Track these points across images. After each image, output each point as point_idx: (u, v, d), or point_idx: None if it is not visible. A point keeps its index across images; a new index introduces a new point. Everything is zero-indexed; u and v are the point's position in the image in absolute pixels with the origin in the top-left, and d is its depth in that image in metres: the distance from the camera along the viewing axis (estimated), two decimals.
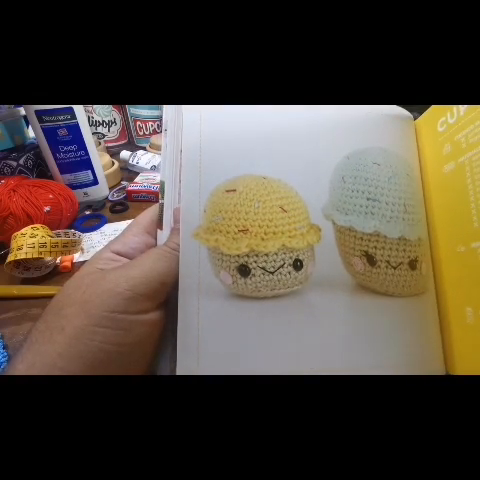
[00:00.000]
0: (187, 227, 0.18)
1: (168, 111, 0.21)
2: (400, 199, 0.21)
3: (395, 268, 0.20)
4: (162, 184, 0.20)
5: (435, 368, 0.19)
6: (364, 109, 0.22)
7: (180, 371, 0.17)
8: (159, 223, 0.20)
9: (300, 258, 0.19)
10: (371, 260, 0.20)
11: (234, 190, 0.19)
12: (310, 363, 0.18)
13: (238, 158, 0.20)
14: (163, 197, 0.20)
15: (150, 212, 0.21)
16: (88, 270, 0.18)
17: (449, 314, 0.20)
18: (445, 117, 0.20)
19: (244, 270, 0.18)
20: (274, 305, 0.18)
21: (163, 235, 0.20)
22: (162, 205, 0.20)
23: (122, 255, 0.19)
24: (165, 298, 0.18)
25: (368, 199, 0.20)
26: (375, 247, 0.20)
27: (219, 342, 0.17)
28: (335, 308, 0.19)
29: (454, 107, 0.19)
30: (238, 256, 0.18)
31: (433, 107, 0.22)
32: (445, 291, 0.20)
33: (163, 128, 0.20)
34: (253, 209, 0.19)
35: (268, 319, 0.18)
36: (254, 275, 0.18)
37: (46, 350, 0.15)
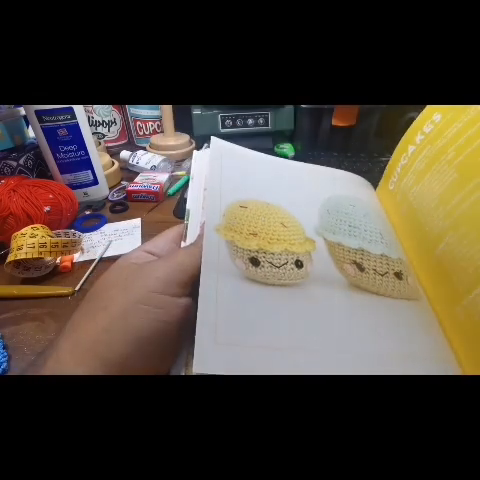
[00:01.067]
0: (210, 224, 0.22)
1: (195, 167, 0.28)
2: (376, 229, 0.27)
3: (382, 275, 0.23)
4: (188, 211, 0.26)
5: (442, 363, 0.20)
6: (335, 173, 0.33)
7: (198, 341, 0.18)
8: (184, 237, 0.24)
9: (300, 259, 0.23)
10: (360, 267, 0.24)
11: (246, 207, 0.24)
12: (312, 341, 0.20)
13: (249, 190, 0.26)
14: (188, 219, 0.25)
15: (178, 227, 0.25)
16: (122, 263, 0.21)
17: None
18: (392, 179, 0.32)
19: (255, 261, 0.22)
20: (281, 291, 0.21)
21: (185, 244, 0.24)
22: (186, 225, 0.25)
23: (152, 253, 0.22)
24: (192, 289, 0.20)
25: (350, 226, 0.26)
26: (362, 258, 0.24)
27: (233, 315, 0.19)
28: (334, 297, 0.22)
29: (393, 176, 0.32)
30: (250, 250, 0.22)
31: (383, 179, 0.34)
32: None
33: (191, 176, 0.28)
34: (261, 221, 0.24)
35: (276, 302, 0.20)
36: (263, 266, 0.22)
37: (90, 327, 0.17)
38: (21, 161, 0.54)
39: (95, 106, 0.72)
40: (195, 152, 0.30)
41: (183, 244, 0.24)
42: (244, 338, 0.18)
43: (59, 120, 0.48)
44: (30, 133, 0.59)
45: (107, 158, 0.62)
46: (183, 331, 0.19)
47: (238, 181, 0.27)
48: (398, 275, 0.24)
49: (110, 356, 0.16)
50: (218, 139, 0.29)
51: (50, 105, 0.47)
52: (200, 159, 0.29)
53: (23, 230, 0.39)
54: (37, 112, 0.47)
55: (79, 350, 0.17)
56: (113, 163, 0.64)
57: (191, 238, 0.24)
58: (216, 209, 0.24)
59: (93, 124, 0.74)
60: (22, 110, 0.58)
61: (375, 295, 0.22)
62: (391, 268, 0.24)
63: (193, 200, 0.26)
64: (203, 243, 0.21)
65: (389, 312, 0.22)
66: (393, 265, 0.24)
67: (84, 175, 0.54)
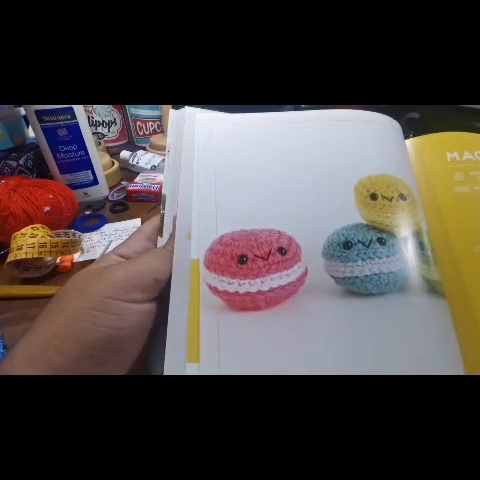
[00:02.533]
0: (182, 230, 0.21)
1: (171, 135, 0.23)
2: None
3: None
4: (164, 197, 0.22)
5: (448, 371, 0.19)
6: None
7: (168, 362, 0.18)
8: (160, 231, 0.22)
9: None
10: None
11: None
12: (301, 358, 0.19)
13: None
14: (164, 208, 0.22)
15: (153, 221, 0.23)
16: (92, 267, 0.20)
17: (475, 314, 0.21)
18: (455, 153, 0.25)
19: None
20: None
21: (163, 241, 0.22)
22: (163, 215, 0.22)
23: (125, 257, 0.21)
24: (158, 293, 0.19)
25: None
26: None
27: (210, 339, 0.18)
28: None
29: (466, 150, 0.25)
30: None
31: (439, 136, 0.26)
32: (467, 291, 0.22)
33: (167, 149, 0.23)
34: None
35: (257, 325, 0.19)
36: None
37: (44, 330, 0.17)
38: (21, 161, 0.54)
39: (95, 106, 0.72)
40: (172, 112, 0.24)
41: (160, 240, 0.22)
42: (216, 363, 0.18)
43: (59, 120, 0.48)
44: (30, 133, 0.59)
45: (107, 158, 0.62)
46: (145, 336, 0.19)
47: (217, 169, 0.22)
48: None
49: (59, 360, 0.16)
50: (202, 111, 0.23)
51: (50, 105, 0.47)
52: (181, 121, 0.24)
53: (23, 230, 0.39)
54: (37, 112, 0.47)
55: (30, 351, 0.17)
56: (113, 163, 0.64)
57: (167, 232, 0.22)
58: (189, 210, 0.21)
59: (93, 124, 0.74)
60: (22, 110, 0.58)
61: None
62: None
63: (170, 183, 0.23)
64: (174, 249, 0.20)
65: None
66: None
67: (84, 175, 0.54)
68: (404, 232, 0.21)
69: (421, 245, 0.21)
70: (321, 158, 0.23)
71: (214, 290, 0.19)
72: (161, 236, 0.22)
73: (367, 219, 0.21)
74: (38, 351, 0.16)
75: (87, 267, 0.20)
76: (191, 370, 0.18)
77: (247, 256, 0.20)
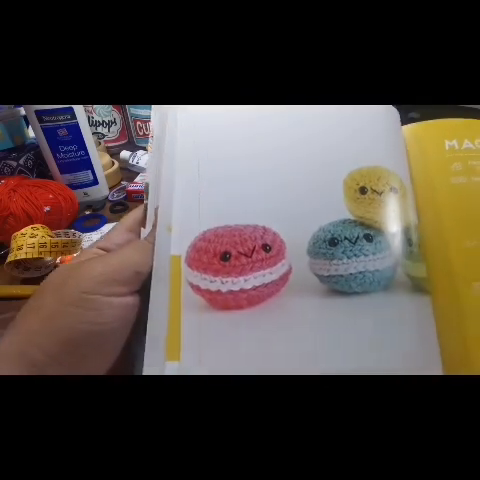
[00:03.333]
0: (163, 222, 0.20)
1: (155, 118, 0.22)
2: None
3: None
4: (147, 186, 0.21)
5: (429, 371, 0.19)
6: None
7: (147, 362, 0.18)
8: (143, 222, 0.21)
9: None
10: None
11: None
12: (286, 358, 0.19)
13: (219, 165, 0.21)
14: (147, 198, 0.21)
15: (134, 213, 0.22)
16: (72, 263, 0.19)
17: (464, 307, 0.20)
18: (454, 141, 0.23)
19: None
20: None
21: (146, 233, 0.21)
22: (146, 205, 0.21)
23: (106, 251, 0.20)
24: (140, 286, 0.19)
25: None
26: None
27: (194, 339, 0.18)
28: (308, 310, 0.20)
29: (466, 138, 0.23)
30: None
31: (439, 123, 0.23)
32: (455, 287, 0.21)
33: (150, 134, 0.22)
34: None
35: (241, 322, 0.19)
36: None
37: (24, 328, 0.17)
38: (21, 161, 0.54)
39: (95, 106, 0.72)
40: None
41: (143, 232, 0.21)
42: (195, 361, 0.18)
43: (59, 120, 0.48)
44: (30, 133, 0.59)
45: (107, 158, 0.62)
46: (128, 329, 0.19)
47: (205, 158, 0.21)
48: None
49: (40, 357, 0.16)
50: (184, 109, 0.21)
51: (50, 105, 0.47)
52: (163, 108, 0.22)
53: (23, 230, 0.39)
54: (37, 112, 0.47)
55: (11, 350, 0.17)
56: (113, 163, 0.64)
57: (151, 223, 0.21)
58: (170, 201, 0.20)
59: (93, 124, 0.74)
60: (22, 110, 0.58)
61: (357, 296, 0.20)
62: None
63: (153, 170, 0.21)
64: (155, 248, 0.19)
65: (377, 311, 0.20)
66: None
67: (84, 175, 0.54)
68: (393, 228, 0.21)
69: (409, 241, 0.21)
70: (309, 151, 0.22)
71: (196, 289, 0.19)
72: (144, 227, 0.21)
73: (355, 214, 0.21)
74: (19, 349, 0.16)
75: (66, 263, 0.20)
76: (171, 368, 0.17)
77: (230, 253, 0.19)
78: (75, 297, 0.17)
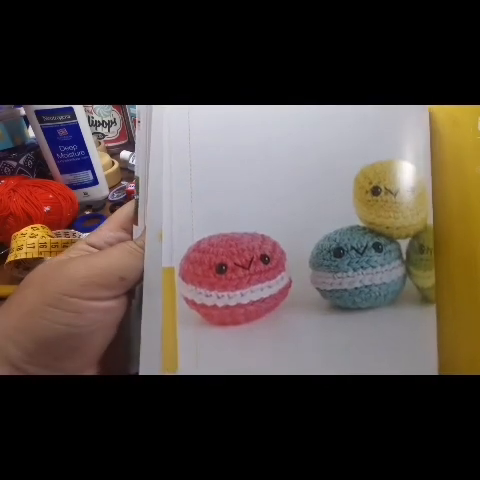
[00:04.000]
0: (152, 230, 0.18)
1: (141, 107, 0.20)
2: None
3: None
4: (137, 180, 0.20)
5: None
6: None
7: (143, 370, 0.17)
8: (135, 218, 0.20)
9: None
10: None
11: None
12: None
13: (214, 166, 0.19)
14: (138, 192, 0.20)
15: (126, 208, 0.21)
16: (59, 257, 0.19)
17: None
18: None
19: None
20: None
21: (139, 230, 0.19)
22: (137, 201, 0.20)
23: (96, 247, 0.20)
24: (125, 291, 0.19)
25: None
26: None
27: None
28: (308, 328, 0.18)
29: None
30: None
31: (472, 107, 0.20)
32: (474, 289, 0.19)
33: (137, 120, 0.20)
34: None
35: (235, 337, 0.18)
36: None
37: (3, 323, 0.17)
38: (21, 161, 0.54)
39: (95, 106, 0.72)
40: None
41: (135, 229, 0.20)
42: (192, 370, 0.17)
43: (59, 120, 0.48)
44: (30, 133, 0.59)
45: (107, 158, 0.62)
46: (108, 331, 0.18)
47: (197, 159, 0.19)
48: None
49: (17, 353, 0.16)
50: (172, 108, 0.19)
51: (50, 105, 0.47)
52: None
53: (23, 230, 0.39)
54: (37, 112, 0.47)
55: None
56: (113, 163, 0.64)
57: (143, 220, 0.19)
58: (160, 207, 0.19)
59: (93, 124, 0.74)
60: (22, 110, 0.58)
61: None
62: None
63: (142, 162, 0.20)
64: (145, 256, 0.18)
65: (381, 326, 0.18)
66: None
67: (84, 175, 0.54)
68: (405, 234, 0.19)
69: (421, 248, 0.19)
70: (313, 151, 0.19)
71: (191, 303, 0.18)
72: (136, 224, 0.20)
73: (365, 220, 0.19)
74: None
75: (54, 258, 0.19)
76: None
77: (227, 265, 0.18)
78: (55, 297, 0.17)
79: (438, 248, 0.19)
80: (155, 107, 0.19)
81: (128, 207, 0.21)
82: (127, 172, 0.66)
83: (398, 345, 0.18)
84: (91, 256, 0.19)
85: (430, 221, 0.19)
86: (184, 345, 0.18)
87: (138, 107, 0.20)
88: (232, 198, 0.19)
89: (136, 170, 0.20)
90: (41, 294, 0.17)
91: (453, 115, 0.20)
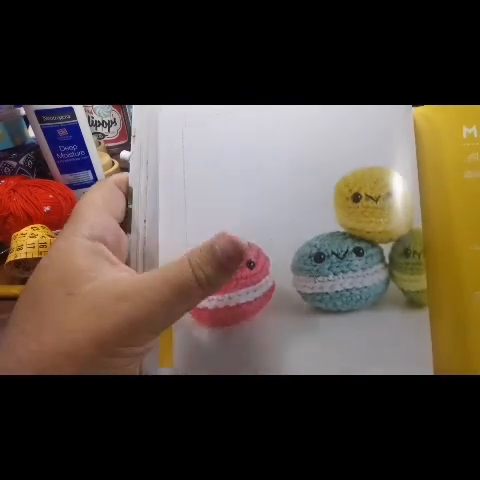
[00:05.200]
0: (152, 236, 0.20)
1: (136, 119, 0.21)
2: None
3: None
4: (131, 190, 0.20)
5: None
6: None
7: (143, 367, 0.19)
8: (128, 227, 0.20)
9: None
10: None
11: None
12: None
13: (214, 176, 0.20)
14: (131, 203, 0.20)
15: (101, 190, 0.20)
16: (71, 267, 0.16)
17: (468, 314, 0.19)
18: (474, 128, 0.20)
19: None
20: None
21: (133, 240, 0.20)
22: (130, 210, 0.20)
23: (97, 239, 0.18)
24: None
25: None
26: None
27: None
28: (290, 329, 0.19)
29: None
30: None
31: (458, 109, 0.20)
32: (462, 291, 0.20)
33: (132, 134, 0.21)
34: None
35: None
36: None
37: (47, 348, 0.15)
38: (21, 161, 0.54)
39: (95, 106, 0.72)
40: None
41: (128, 237, 0.20)
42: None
43: (59, 120, 0.48)
44: (30, 133, 0.59)
45: (107, 158, 0.62)
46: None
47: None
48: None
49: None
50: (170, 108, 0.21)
51: (50, 105, 0.47)
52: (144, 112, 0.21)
53: (23, 230, 0.39)
54: (37, 112, 0.47)
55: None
56: (113, 163, 0.64)
57: (135, 230, 0.20)
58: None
59: (93, 124, 0.74)
60: (22, 110, 0.58)
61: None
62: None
63: (137, 173, 0.21)
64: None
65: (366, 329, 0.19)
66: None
67: (84, 175, 0.54)
68: (387, 239, 0.19)
69: (406, 252, 0.19)
70: (296, 159, 0.20)
71: None
72: (129, 233, 0.20)
73: (345, 226, 0.19)
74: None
75: (66, 261, 0.16)
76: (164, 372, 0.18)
77: None
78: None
79: (427, 252, 0.19)
80: (150, 123, 0.21)
81: (101, 190, 0.20)
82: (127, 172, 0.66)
83: (380, 347, 0.18)
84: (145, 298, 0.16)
85: (417, 225, 0.19)
86: (178, 344, 0.19)
87: (133, 122, 0.21)
88: (220, 209, 0.20)
89: (130, 181, 0.20)
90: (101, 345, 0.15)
91: (438, 122, 0.21)
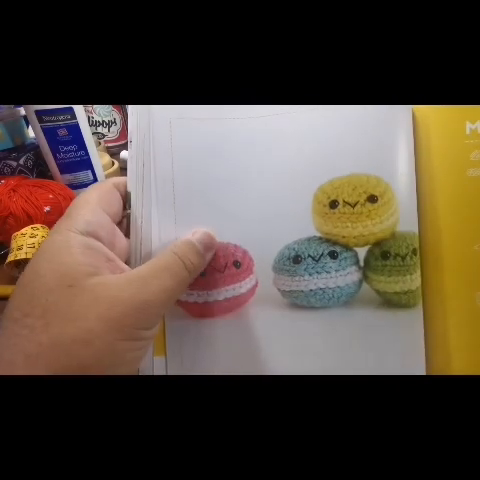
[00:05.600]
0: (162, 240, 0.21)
1: (131, 124, 0.22)
2: None
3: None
4: (129, 195, 0.21)
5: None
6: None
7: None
8: (127, 231, 0.21)
9: None
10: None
11: None
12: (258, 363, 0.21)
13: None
14: (130, 207, 0.21)
15: (98, 190, 0.20)
16: (73, 269, 0.16)
17: (460, 312, 0.19)
18: (478, 123, 0.19)
19: None
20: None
21: (132, 243, 0.21)
22: (129, 215, 0.21)
23: (93, 235, 0.18)
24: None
25: None
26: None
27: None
28: (271, 320, 0.21)
29: None
30: None
31: (460, 107, 0.20)
32: (456, 289, 0.20)
33: (128, 139, 0.22)
34: None
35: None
36: None
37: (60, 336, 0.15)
38: (21, 161, 0.54)
39: (95, 106, 0.72)
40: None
41: (128, 241, 0.21)
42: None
43: (59, 120, 0.48)
44: (30, 133, 0.59)
45: (107, 158, 0.62)
46: None
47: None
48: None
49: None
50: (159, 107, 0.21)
51: (50, 105, 0.47)
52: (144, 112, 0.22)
53: (23, 230, 0.39)
54: (37, 112, 0.47)
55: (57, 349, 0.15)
56: (113, 163, 0.64)
57: (134, 234, 0.21)
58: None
59: (93, 124, 0.74)
60: (22, 110, 0.58)
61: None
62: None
63: (135, 177, 0.21)
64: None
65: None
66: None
67: (84, 175, 0.54)
68: (363, 243, 0.20)
69: (384, 255, 0.20)
70: (284, 165, 0.21)
71: (177, 301, 0.21)
72: (128, 237, 0.21)
73: (321, 231, 0.20)
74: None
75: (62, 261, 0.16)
76: (159, 361, 0.21)
77: (205, 269, 0.20)
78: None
79: (426, 252, 0.20)
80: (144, 127, 0.21)
81: (96, 190, 0.20)
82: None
83: (350, 340, 0.20)
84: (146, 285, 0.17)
85: (402, 228, 0.20)
86: (170, 335, 0.21)
87: (129, 127, 0.21)
88: (208, 213, 0.21)
89: (128, 186, 0.21)
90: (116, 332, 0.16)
91: (440, 119, 0.20)
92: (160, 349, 0.21)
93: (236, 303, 0.21)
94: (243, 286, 0.21)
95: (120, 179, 0.22)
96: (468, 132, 0.19)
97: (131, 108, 0.22)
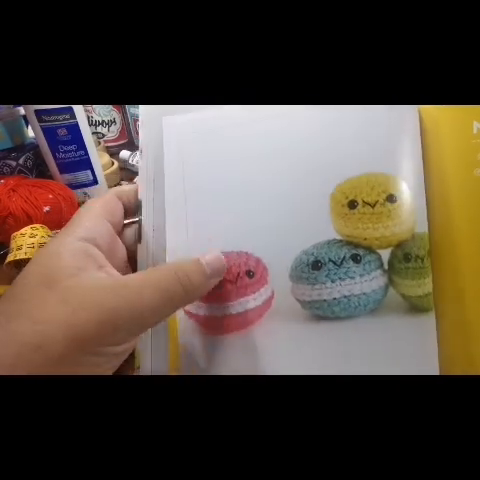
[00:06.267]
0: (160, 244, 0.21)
1: (142, 133, 0.22)
2: None
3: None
4: (139, 203, 0.22)
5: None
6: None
7: (154, 372, 0.20)
8: (138, 237, 0.21)
9: None
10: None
11: None
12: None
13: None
14: (141, 214, 0.21)
15: (101, 199, 0.21)
16: (63, 263, 0.16)
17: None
18: None
19: None
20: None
21: (143, 249, 0.21)
22: (140, 221, 0.21)
23: (90, 241, 0.18)
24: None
25: None
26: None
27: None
28: (290, 336, 0.20)
29: None
30: None
31: (468, 107, 0.20)
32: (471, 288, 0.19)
33: (139, 149, 0.22)
34: None
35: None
36: None
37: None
38: (21, 161, 0.54)
39: (95, 106, 0.72)
40: (142, 107, 0.22)
41: (139, 247, 0.21)
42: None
43: (59, 120, 0.48)
44: (30, 133, 0.59)
45: (107, 158, 0.62)
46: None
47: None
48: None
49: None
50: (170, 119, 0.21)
51: (50, 105, 0.47)
52: (155, 121, 0.22)
53: (22, 230, 0.39)
54: (37, 112, 0.47)
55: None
56: (113, 163, 0.64)
57: (145, 239, 0.21)
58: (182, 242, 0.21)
59: (93, 124, 0.74)
60: (22, 110, 0.58)
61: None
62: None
63: (145, 185, 0.21)
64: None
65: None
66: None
67: (84, 175, 0.54)
68: (386, 244, 0.19)
69: (406, 257, 0.19)
70: (295, 166, 0.20)
71: (188, 313, 0.20)
72: (139, 243, 0.21)
73: (342, 233, 0.19)
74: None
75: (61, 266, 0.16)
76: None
77: None
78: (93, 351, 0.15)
79: (437, 254, 0.19)
80: (156, 137, 0.21)
81: (103, 200, 0.21)
82: (127, 172, 0.66)
83: (380, 352, 0.18)
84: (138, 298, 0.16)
85: (418, 229, 0.19)
86: (184, 351, 0.20)
87: (140, 137, 0.22)
88: (219, 220, 0.21)
89: (139, 194, 0.22)
90: (77, 341, 0.15)
91: (447, 119, 0.20)
92: (174, 366, 0.20)
93: (251, 317, 0.19)
94: (258, 298, 0.19)
95: (123, 189, 0.22)
96: (475, 131, 0.19)
97: (142, 118, 0.22)
